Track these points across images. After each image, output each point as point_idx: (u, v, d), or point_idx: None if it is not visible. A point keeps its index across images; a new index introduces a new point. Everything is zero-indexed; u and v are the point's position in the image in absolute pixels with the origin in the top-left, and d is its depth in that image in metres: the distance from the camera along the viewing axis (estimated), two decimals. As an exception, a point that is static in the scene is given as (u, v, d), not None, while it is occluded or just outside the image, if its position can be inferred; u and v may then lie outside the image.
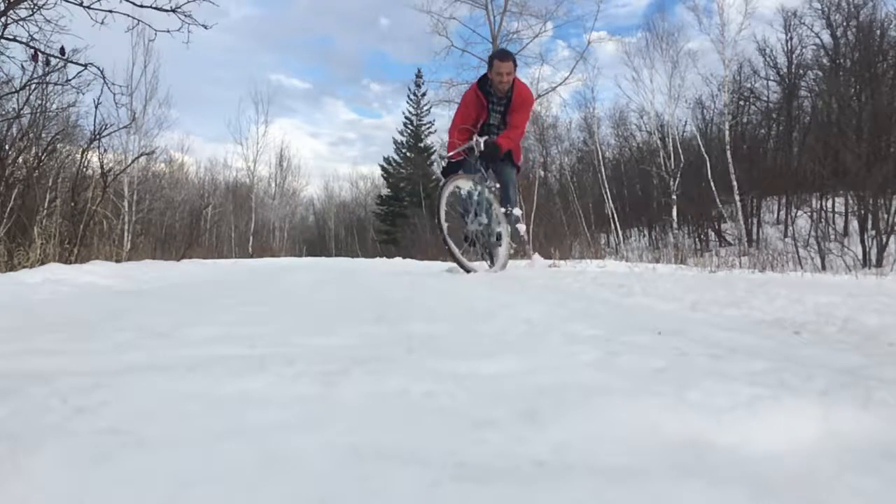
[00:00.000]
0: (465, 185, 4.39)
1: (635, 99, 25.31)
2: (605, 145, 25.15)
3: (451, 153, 4.45)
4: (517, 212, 4.80)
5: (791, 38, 22.51)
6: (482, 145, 4.26)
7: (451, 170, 4.48)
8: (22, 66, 5.34)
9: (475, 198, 4.34)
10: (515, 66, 4.41)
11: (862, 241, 12.80)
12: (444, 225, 4.26)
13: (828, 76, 20.59)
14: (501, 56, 4.41)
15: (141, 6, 5.12)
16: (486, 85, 4.45)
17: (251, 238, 28.14)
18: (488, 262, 4.69)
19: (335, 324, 1.29)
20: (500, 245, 4.51)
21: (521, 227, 4.85)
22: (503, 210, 4.55)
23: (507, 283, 2.71)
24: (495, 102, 4.50)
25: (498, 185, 4.61)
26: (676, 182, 20.07)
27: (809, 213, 16.82)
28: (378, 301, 1.83)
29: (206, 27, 5.39)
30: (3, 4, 4.68)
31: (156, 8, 5.12)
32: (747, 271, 6.54)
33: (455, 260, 4.20)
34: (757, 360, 0.96)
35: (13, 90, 5.68)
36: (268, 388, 0.75)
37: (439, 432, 0.62)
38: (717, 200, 19.24)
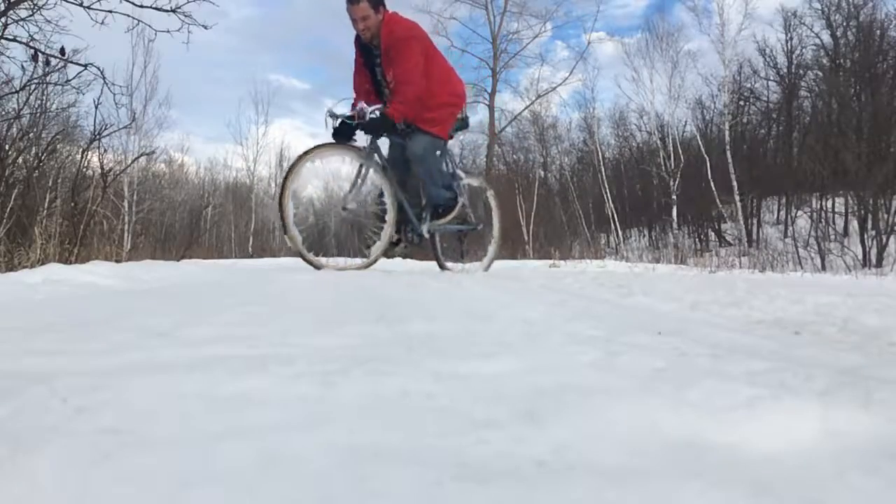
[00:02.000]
0: (345, 157, 3.48)
1: (635, 99, 25.27)
2: (605, 145, 25.13)
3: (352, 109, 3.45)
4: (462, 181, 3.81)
5: (791, 39, 22.54)
6: (366, 116, 3.31)
7: (344, 132, 3.44)
8: (22, 67, 5.37)
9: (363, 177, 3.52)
10: (377, 5, 3.30)
11: (862, 241, 12.83)
12: (289, 209, 3.32)
13: (828, 76, 20.61)
14: None
15: (141, 6, 5.13)
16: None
17: (251, 238, 28.12)
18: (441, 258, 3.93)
19: (335, 324, 1.29)
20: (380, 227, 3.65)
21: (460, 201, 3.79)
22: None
23: (507, 283, 2.71)
24: (377, 55, 3.47)
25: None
26: (676, 182, 20.07)
27: (809, 213, 16.85)
28: (378, 301, 1.83)
29: (205, 27, 5.41)
30: (3, 5, 4.69)
31: (156, 8, 5.13)
32: (747, 271, 6.54)
33: (301, 256, 3.40)
34: (757, 360, 0.96)
35: (13, 90, 5.69)
36: (268, 388, 0.75)
37: (439, 432, 0.62)
38: (717, 200, 19.25)
